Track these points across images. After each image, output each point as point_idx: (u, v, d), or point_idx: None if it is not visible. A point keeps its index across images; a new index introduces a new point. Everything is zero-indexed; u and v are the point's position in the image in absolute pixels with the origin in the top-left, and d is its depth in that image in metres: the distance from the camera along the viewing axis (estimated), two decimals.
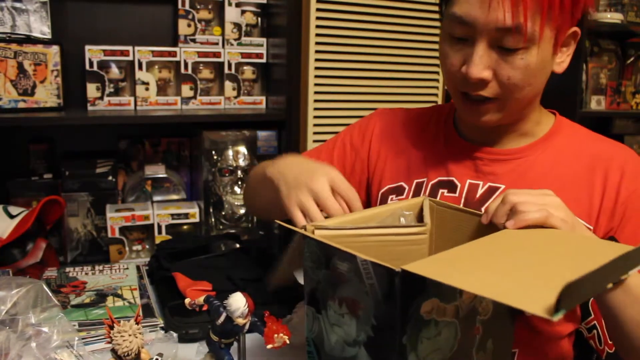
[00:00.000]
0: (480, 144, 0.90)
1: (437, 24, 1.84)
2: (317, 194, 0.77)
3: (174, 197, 1.66)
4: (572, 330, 0.88)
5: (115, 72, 1.52)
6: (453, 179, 0.90)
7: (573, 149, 0.87)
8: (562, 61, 0.83)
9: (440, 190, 0.89)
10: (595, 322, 0.94)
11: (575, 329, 0.90)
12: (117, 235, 1.50)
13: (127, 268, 1.20)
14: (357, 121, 1.08)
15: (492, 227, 0.68)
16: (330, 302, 0.64)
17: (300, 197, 0.78)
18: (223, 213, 1.64)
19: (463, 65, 0.78)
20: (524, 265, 0.54)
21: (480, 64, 0.76)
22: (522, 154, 0.87)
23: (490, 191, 0.86)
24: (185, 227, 1.56)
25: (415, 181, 0.93)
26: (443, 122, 0.96)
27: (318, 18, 1.78)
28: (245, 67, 1.66)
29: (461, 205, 0.80)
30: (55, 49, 1.41)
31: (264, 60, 1.68)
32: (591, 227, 0.82)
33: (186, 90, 1.59)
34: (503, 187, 0.86)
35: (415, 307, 0.55)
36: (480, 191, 0.87)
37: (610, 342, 0.90)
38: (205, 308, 0.76)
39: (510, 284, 0.48)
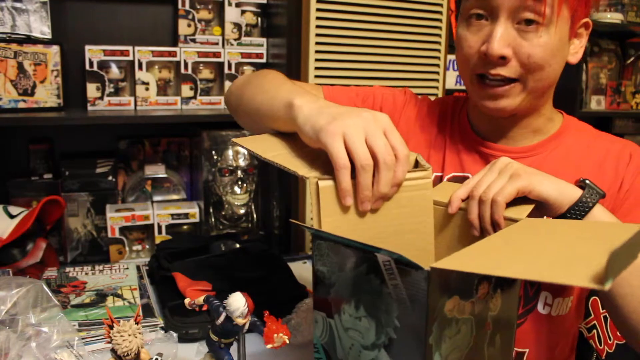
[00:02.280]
0: (494, 140, 0.90)
1: (438, 23, 1.84)
2: (369, 127, 0.64)
3: (174, 197, 1.66)
4: (578, 326, 0.90)
5: (115, 72, 1.52)
6: (468, 174, 0.90)
7: (582, 146, 0.88)
8: (576, 52, 0.84)
9: None
10: (595, 322, 0.94)
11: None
12: (117, 235, 1.50)
13: (127, 268, 1.20)
14: (383, 87, 1.02)
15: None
16: (345, 306, 0.62)
17: (349, 127, 0.63)
18: (223, 213, 1.64)
19: (483, 45, 0.78)
20: (548, 249, 0.54)
21: (502, 40, 0.76)
22: (534, 151, 0.88)
23: None
24: (185, 227, 1.56)
25: (434, 174, 0.92)
26: (458, 115, 0.95)
27: (318, 18, 1.78)
28: (245, 67, 1.66)
29: None
30: (55, 49, 1.41)
31: (264, 60, 1.68)
32: None
33: (186, 90, 1.60)
34: None
35: (441, 305, 0.54)
36: None
37: (610, 342, 0.90)
38: (205, 308, 0.76)
39: (547, 265, 0.48)
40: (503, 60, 0.77)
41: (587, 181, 0.71)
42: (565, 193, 0.69)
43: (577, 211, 0.69)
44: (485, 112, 0.85)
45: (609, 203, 0.82)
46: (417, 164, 0.73)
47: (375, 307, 0.59)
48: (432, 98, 1.02)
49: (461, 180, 0.88)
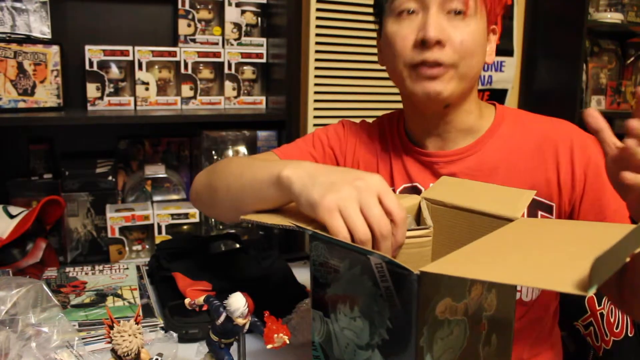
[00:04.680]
0: (431, 146, 0.94)
1: None
2: (362, 197, 0.63)
3: (174, 197, 1.66)
4: (556, 306, 0.93)
5: (115, 72, 1.52)
6: (417, 184, 0.93)
7: (519, 135, 0.91)
8: (490, 53, 0.90)
9: None
10: (591, 319, 0.95)
11: (558, 306, 0.94)
12: (117, 235, 1.50)
13: (127, 268, 1.20)
14: (322, 128, 1.06)
15: (488, 223, 0.69)
16: (341, 306, 0.63)
17: (344, 201, 0.62)
18: None
19: (418, 33, 0.83)
20: (537, 253, 0.55)
21: (437, 27, 0.81)
22: (473, 150, 0.91)
23: None
24: (185, 227, 1.56)
25: None
26: (396, 132, 0.99)
27: (318, 18, 1.78)
28: (245, 67, 1.66)
29: None
30: (55, 49, 1.41)
31: (264, 60, 1.68)
32: (553, 204, 0.86)
33: (186, 90, 1.60)
34: None
35: (432, 308, 0.55)
36: None
37: (606, 338, 0.91)
38: (205, 308, 0.76)
39: (533, 270, 0.48)
40: (439, 44, 0.82)
41: None
42: None
43: None
44: (421, 101, 0.86)
45: (553, 185, 0.86)
46: (419, 214, 0.75)
47: (368, 308, 0.59)
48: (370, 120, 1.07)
49: (411, 190, 0.93)
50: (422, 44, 0.82)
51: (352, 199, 0.63)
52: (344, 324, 0.63)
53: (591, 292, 0.41)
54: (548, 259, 0.52)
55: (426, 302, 0.54)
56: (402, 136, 0.98)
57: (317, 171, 0.69)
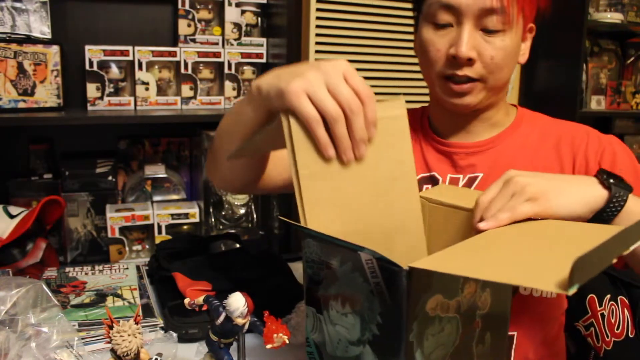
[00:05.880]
0: (454, 138, 0.95)
1: None
2: (328, 77, 0.64)
3: (174, 197, 1.66)
4: (564, 309, 0.93)
5: (115, 72, 1.52)
6: (434, 173, 0.94)
7: (538, 133, 0.93)
8: (524, 53, 0.91)
9: (425, 186, 0.93)
10: (592, 319, 0.95)
11: (566, 312, 0.93)
12: (117, 235, 1.50)
13: (127, 268, 1.20)
14: None
15: None
16: (332, 302, 0.64)
17: (310, 83, 0.63)
18: (223, 213, 1.65)
19: (450, 48, 0.83)
20: (527, 251, 0.56)
21: (469, 43, 0.82)
22: (493, 143, 0.93)
23: (470, 182, 0.92)
24: (185, 227, 1.56)
25: None
26: (419, 124, 1.00)
27: (318, 18, 1.78)
28: (245, 67, 1.66)
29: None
30: (55, 49, 1.41)
31: (264, 60, 1.68)
32: None
33: (186, 90, 1.60)
34: (481, 175, 0.91)
35: (422, 304, 0.55)
36: (461, 184, 0.92)
37: (607, 339, 0.91)
38: (204, 308, 0.76)
39: (519, 268, 0.49)
40: (469, 61, 0.83)
41: (611, 180, 0.69)
42: (590, 202, 0.68)
43: (609, 214, 0.68)
44: (450, 109, 0.90)
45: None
46: None
47: (359, 304, 0.60)
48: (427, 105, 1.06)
49: (429, 180, 0.94)
50: (454, 58, 0.83)
51: (319, 80, 0.64)
52: (336, 320, 0.64)
53: (571, 291, 0.41)
54: (535, 257, 0.53)
55: (416, 297, 0.55)
56: (425, 126, 0.98)
57: (283, 69, 0.69)
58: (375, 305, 0.58)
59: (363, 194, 0.68)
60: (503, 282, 0.46)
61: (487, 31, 0.82)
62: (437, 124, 0.97)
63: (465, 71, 0.84)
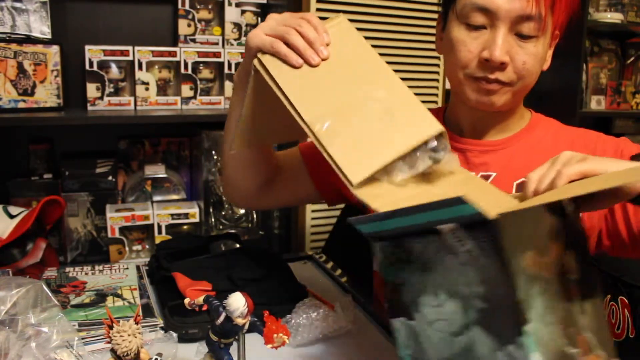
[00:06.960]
0: (469, 136, 0.96)
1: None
2: (276, 17, 0.77)
3: (174, 197, 1.66)
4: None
5: (115, 72, 1.52)
6: None
7: (551, 137, 0.94)
8: (547, 59, 0.91)
9: None
10: None
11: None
12: (117, 235, 1.50)
13: (127, 268, 1.20)
14: None
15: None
16: (423, 299, 0.59)
17: (261, 25, 0.77)
18: (223, 213, 1.65)
19: (482, 51, 0.83)
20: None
21: (503, 48, 0.82)
22: (507, 144, 0.94)
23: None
24: (185, 227, 1.56)
25: None
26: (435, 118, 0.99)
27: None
28: None
29: None
30: (55, 49, 1.41)
31: None
32: None
33: (186, 90, 1.60)
34: (494, 174, 0.92)
35: (519, 258, 0.52)
36: None
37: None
38: (204, 308, 0.76)
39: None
40: (502, 65, 0.83)
41: None
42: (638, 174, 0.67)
43: None
44: (473, 106, 0.90)
45: None
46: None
47: (454, 284, 0.55)
48: (427, 105, 1.07)
49: None
50: (486, 61, 0.83)
51: (269, 19, 0.77)
52: (432, 316, 0.58)
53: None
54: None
55: (512, 249, 0.51)
56: (441, 121, 0.99)
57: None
58: (471, 276, 0.53)
59: (351, 87, 0.74)
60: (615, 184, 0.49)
61: (521, 36, 0.82)
62: (455, 122, 0.98)
63: (497, 75, 0.84)
